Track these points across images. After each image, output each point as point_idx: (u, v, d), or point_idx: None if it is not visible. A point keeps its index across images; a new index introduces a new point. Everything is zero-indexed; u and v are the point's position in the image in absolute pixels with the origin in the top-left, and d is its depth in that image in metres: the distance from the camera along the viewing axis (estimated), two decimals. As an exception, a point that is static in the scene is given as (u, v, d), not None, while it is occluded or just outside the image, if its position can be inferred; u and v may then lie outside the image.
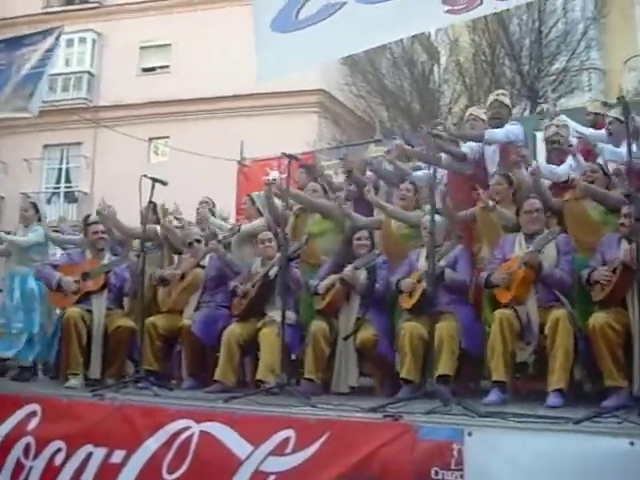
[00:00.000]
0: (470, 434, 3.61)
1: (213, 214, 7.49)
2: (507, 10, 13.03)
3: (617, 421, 3.66)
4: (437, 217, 4.98)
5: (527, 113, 13.09)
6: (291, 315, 5.57)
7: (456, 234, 5.59)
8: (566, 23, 14.68)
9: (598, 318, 4.46)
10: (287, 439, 3.88)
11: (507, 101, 6.66)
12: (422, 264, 5.36)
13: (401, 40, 13.66)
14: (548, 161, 6.07)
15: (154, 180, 5.72)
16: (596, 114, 6.63)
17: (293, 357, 5.69)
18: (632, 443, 3.35)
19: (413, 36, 13.41)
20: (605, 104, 6.69)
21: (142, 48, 21.00)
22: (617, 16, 15.86)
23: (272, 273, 5.80)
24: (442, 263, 5.20)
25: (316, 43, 5.03)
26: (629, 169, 4.38)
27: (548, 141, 6.12)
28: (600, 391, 4.55)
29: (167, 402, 4.69)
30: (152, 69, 21.29)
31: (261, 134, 14.33)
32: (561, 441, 3.53)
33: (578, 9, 15.37)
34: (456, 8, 4.35)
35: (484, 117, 6.52)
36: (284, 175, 5.91)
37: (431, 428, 3.71)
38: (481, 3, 4.25)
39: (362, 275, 5.56)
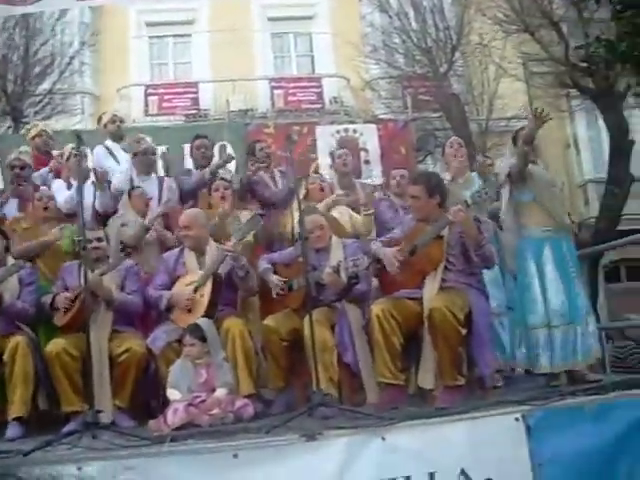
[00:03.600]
0: None
1: None
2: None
3: (67, 448, 3.68)
4: None
5: (10, 132, 12.63)
6: None
7: None
8: (59, 44, 14.52)
9: (56, 344, 4.47)
10: None
11: None
12: None
13: None
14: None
15: None
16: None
17: None
18: (80, 468, 3.40)
19: None
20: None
21: None
22: (111, 45, 16.36)
23: None
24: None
25: None
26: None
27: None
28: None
29: None
30: None
31: None
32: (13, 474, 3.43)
33: (71, 32, 15.35)
34: None
35: None
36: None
37: None
38: None
39: None
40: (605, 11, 9.39)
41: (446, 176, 5.71)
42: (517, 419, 3.83)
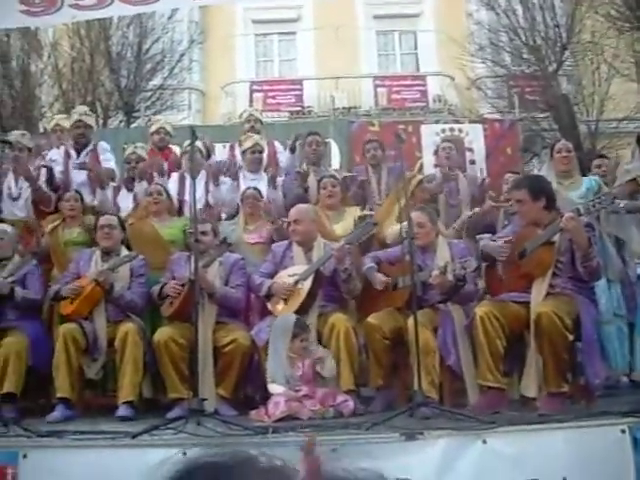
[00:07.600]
0: (25, 456, 3.45)
1: None
2: (110, 21, 13.06)
3: (173, 432, 3.79)
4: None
5: (122, 125, 13.13)
6: None
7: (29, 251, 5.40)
8: (169, 42, 14.99)
9: (164, 333, 4.63)
10: None
11: (91, 121, 6.56)
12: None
13: (-4, 31, 12.66)
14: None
15: None
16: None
17: None
18: (185, 453, 3.50)
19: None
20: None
21: None
22: (218, 42, 16.74)
23: None
24: (10, 279, 4.97)
25: None
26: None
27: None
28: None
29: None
30: None
31: None
32: (118, 456, 3.56)
33: (180, 30, 15.83)
34: (33, 10, 4.16)
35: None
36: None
37: (-17, 453, 3.49)
38: (59, 9, 4.12)
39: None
40: None
41: (552, 179, 5.56)
42: (623, 431, 3.69)
